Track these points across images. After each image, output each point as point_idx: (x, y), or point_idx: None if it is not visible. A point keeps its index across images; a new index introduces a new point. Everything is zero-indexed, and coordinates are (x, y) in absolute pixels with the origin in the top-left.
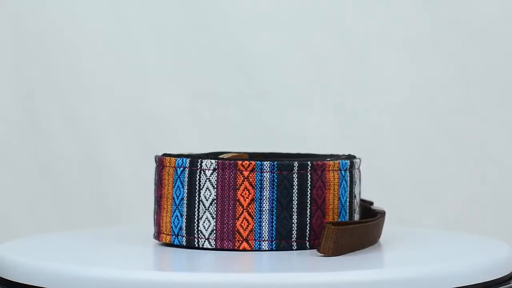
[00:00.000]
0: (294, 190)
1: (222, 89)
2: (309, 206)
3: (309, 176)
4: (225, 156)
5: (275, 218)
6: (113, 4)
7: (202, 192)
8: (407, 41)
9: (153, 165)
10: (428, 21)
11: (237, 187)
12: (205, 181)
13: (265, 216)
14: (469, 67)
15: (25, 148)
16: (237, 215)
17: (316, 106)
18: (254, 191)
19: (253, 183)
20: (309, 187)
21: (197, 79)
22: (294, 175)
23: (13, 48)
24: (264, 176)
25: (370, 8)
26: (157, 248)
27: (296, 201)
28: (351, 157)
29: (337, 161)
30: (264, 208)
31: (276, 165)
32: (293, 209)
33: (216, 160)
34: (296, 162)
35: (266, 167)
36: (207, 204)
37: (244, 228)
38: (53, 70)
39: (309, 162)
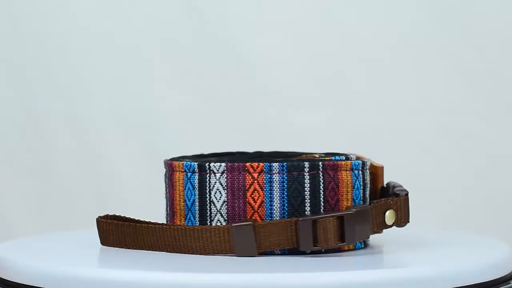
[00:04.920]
0: (166, 187)
1: (222, 89)
2: (167, 204)
3: (167, 175)
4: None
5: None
6: (113, 4)
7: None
8: (407, 41)
9: (152, 165)
10: (428, 21)
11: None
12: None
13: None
14: (469, 67)
15: (25, 148)
16: None
17: (316, 106)
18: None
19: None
20: (166, 185)
21: (197, 79)
22: (166, 173)
23: (13, 48)
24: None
25: (370, 8)
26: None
27: (166, 198)
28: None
29: (181, 162)
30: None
31: (167, 163)
32: (166, 205)
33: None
34: (165, 160)
35: (165, 164)
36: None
37: None
38: (53, 70)
39: (165, 160)
